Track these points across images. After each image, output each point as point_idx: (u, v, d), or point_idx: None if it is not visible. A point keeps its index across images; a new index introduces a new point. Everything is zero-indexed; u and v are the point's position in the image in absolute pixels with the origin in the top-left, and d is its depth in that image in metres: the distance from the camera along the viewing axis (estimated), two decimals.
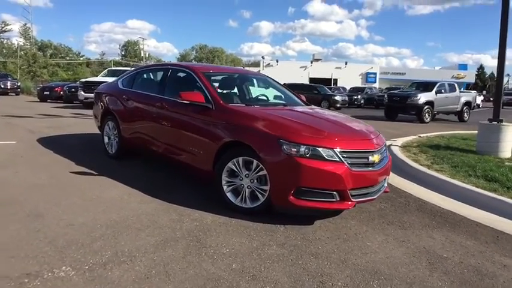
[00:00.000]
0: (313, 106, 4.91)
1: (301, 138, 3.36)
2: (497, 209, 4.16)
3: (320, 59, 55.59)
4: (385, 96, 17.83)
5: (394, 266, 2.83)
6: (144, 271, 2.52)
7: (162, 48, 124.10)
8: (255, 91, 5.11)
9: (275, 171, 3.37)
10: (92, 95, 13.59)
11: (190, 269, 2.59)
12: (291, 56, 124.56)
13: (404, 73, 55.75)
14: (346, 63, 52.45)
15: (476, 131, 7.16)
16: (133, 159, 5.59)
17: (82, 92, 14.58)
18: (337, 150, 3.35)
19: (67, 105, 18.08)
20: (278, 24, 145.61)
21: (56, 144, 6.74)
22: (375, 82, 50.12)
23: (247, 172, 3.61)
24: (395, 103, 16.20)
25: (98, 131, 8.24)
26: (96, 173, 4.84)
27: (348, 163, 3.35)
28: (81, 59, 72.32)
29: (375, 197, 3.69)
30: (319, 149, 3.31)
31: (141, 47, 70.07)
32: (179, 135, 4.35)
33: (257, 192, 3.57)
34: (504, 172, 5.18)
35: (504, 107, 29.23)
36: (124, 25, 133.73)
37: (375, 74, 52.37)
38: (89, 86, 14.16)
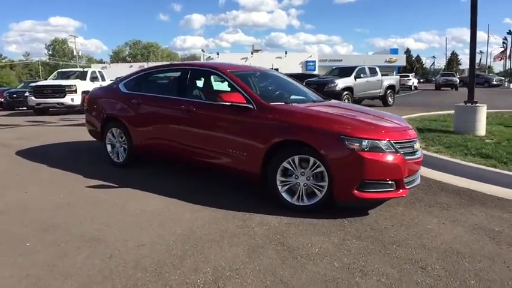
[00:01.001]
0: (333, 100, 5.00)
1: (361, 133, 3.44)
2: (504, 182, 4.61)
3: (260, 50, 56.17)
4: (303, 84, 17.43)
5: (466, 244, 3.04)
6: (259, 283, 2.44)
7: (90, 46, 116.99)
8: (277, 88, 5.05)
9: (338, 167, 3.42)
10: (47, 100, 12.63)
11: (301, 274, 2.55)
12: (225, 47, 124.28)
13: (342, 60, 58.30)
14: (286, 53, 53.62)
15: (417, 114, 7.58)
16: (142, 167, 5.26)
17: (33, 98, 13.19)
18: (392, 141, 3.49)
19: (12, 112, 16.32)
20: (210, 16, 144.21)
21: (41, 157, 6.09)
22: (314, 70, 51.84)
23: (302, 170, 3.61)
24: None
25: (78, 139, 7.73)
26: (116, 185, 4.49)
27: (401, 153, 3.51)
28: (4, 61, 65.29)
29: (418, 182, 3.91)
30: (378, 142, 3.42)
31: (72, 45, 64.69)
32: (214, 138, 4.19)
33: (315, 189, 3.59)
34: (493, 149, 5.74)
35: (442, 88, 32.00)
36: (46, 23, 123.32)
37: (314, 62, 54.16)
38: (40, 91, 12.90)
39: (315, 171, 3.56)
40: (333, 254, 2.85)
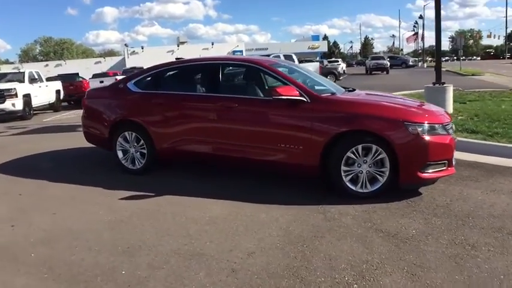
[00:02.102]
0: (357, 90, 5.13)
1: (420, 118, 3.65)
2: (503, 153, 5.19)
3: (186, 41, 54.76)
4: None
5: None
6: (400, 271, 2.49)
7: None
8: (304, 79, 5.01)
9: (405, 152, 3.58)
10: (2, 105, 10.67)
11: (425, 255, 2.66)
12: (141, 41, 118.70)
13: (267, 48, 59.36)
14: (212, 44, 52.98)
15: None
16: (160, 172, 4.92)
17: None
18: (443, 124, 3.76)
19: None
20: (123, 8, 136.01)
21: (30, 171, 5.28)
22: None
23: (364, 158, 3.72)
24: None
25: (51, 147, 6.86)
26: (152, 194, 4.12)
27: (451, 134, 3.82)
28: None
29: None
30: (436, 125, 3.67)
31: None
32: (263, 134, 4.08)
33: (377, 176, 3.73)
34: (474, 124, 6.46)
35: (373, 72, 33.78)
36: None
37: (241, 51, 54.28)
38: None
39: (376, 158, 3.69)
40: (431, 233, 3.02)
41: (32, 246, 3.06)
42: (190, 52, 48.70)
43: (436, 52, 8.16)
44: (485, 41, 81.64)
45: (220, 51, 51.30)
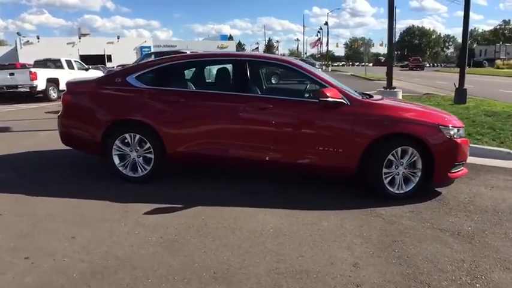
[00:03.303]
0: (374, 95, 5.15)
1: (450, 122, 3.91)
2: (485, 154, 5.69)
3: (88, 34, 49.88)
4: None
5: None
6: (497, 265, 2.62)
7: None
8: None
9: (439, 154, 3.77)
10: None
11: (506, 250, 2.85)
12: (29, 30, 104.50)
13: (176, 45, 57.54)
14: (118, 38, 49.28)
15: None
16: (162, 179, 4.34)
17: None
18: (463, 128, 4.09)
19: None
20: None
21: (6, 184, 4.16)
22: (150, 56, 49.61)
23: (401, 160, 3.82)
24: None
25: (18, 149, 5.55)
26: (180, 205, 3.57)
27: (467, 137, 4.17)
28: None
29: None
30: (461, 129, 3.96)
31: None
32: (300, 137, 3.90)
33: (411, 177, 3.87)
34: None
35: None
36: None
37: (149, 47, 51.60)
38: None
39: (411, 160, 3.83)
40: (484, 228, 3.24)
41: (85, 284, 2.38)
42: (94, 45, 44.82)
43: (388, 59, 8.88)
44: (373, 49, 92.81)
45: (126, 46, 48.09)
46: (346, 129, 3.82)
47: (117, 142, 4.19)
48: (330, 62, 60.55)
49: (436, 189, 4.15)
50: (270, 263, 2.64)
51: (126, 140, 4.18)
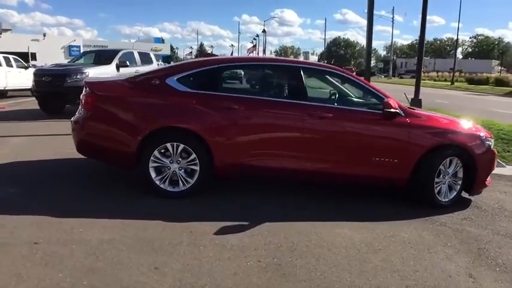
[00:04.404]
0: None
1: (487, 134, 4.12)
2: None
3: (10, 29, 44.57)
4: (33, 76, 9.62)
5: None
6: None
7: None
8: None
9: (482, 163, 3.97)
10: None
11: None
12: None
13: (107, 46, 54.00)
14: (44, 35, 44.86)
15: None
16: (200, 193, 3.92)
17: None
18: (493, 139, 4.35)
19: None
20: None
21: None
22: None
23: (447, 170, 3.94)
24: (50, 87, 8.78)
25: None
26: (246, 222, 3.22)
27: None
28: None
29: None
30: (492, 140, 4.21)
31: None
32: (358, 147, 3.81)
33: (454, 185, 4.00)
34: None
35: None
36: None
37: (79, 46, 47.80)
38: None
39: (456, 169, 3.97)
40: None
41: None
42: (17, 42, 39.92)
43: (366, 68, 9.25)
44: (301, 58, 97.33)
45: (53, 44, 43.83)
46: (403, 139, 3.83)
47: (155, 153, 3.67)
48: None
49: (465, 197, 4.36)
50: (396, 280, 2.50)
51: (166, 151, 3.69)
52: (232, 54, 61.28)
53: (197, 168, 3.72)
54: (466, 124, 4.21)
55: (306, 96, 3.89)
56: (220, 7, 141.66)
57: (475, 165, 3.94)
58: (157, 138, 3.67)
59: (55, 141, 6.02)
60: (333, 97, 4.18)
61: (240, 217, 3.38)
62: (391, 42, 68.26)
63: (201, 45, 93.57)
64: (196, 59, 4.16)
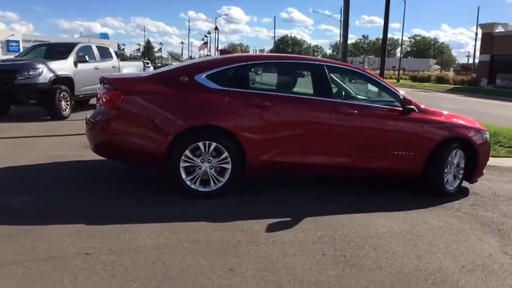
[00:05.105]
0: None
1: (483, 128, 4.53)
2: None
3: None
4: None
5: None
6: None
7: None
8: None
9: (482, 155, 4.37)
10: None
11: None
12: None
13: (49, 41, 50.09)
14: None
15: None
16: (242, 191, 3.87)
17: None
18: None
19: None
20: None
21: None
22: (19, 51, 42.16)
23: (453, 161, 4.28)
24: None
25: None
26: (287, 219, 3.27)
27: None
28: None
29: None
30: (488, 133, 4.64)
31: None
32: (380, 142, 4.01)
33: (458, 175, 4.36)
34: None
35: None
36: None
37: (18, 42, 43.84)
38: None
39: (460, 160, 4.33)
40: None
41: None
42: None
43: (342, 58, 9.62)
44: None
45: None
46: (418, 133, 4.09)
47: (187, 152, 3.56)
48: None
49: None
50: (451, 262, 2.73)
51: (197, 150, 3.60)
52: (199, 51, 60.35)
53: (229, 166, 3.67)
54: (466, 118, 4.59)
55: (332, 93, 4.01)
56: (165, 2, 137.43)
57: (476, 156, 4.34)
58: (189, 137, 3.56)
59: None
60: (354, 94, 4.36)
61: (279, 213, 3.40)
62: (340, 41, 70.97)
63: (148, 42, 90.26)
64: (221, 56, 4.07)
